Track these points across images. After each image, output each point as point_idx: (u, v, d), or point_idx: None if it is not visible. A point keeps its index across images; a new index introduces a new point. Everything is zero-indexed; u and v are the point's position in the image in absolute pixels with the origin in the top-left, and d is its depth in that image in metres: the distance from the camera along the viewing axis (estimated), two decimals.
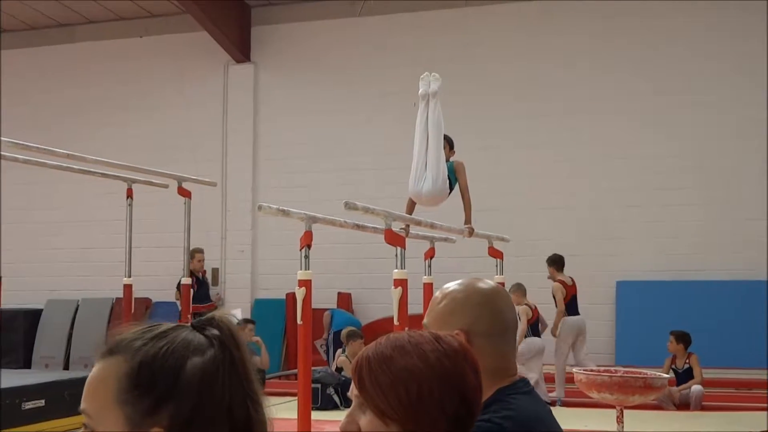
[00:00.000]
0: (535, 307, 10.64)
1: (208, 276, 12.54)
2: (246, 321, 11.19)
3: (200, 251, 11.54)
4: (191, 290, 10.94)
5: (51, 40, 14.74)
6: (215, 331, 1.27)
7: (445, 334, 1.53)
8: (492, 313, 2.01)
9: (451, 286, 2.07)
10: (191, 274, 10.79)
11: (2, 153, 6.45)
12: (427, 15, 12.98)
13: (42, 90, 14.59)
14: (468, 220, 7.50)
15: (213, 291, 13.53)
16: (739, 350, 10.86)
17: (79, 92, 14.41)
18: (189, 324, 1.28)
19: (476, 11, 12.75)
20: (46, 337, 13.10)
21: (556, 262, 10.75)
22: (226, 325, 1.28)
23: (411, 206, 7.44)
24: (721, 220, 11.57)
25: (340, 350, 10.88)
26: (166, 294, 12.72)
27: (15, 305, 12.61)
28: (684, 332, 10.21)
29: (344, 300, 12.60)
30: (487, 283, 2.10)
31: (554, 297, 10.61)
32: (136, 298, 9.96)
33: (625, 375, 6.62)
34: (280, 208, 5.89)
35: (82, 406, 1.22)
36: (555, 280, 10.65)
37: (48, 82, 14.63)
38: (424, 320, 2.06)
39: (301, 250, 5.71)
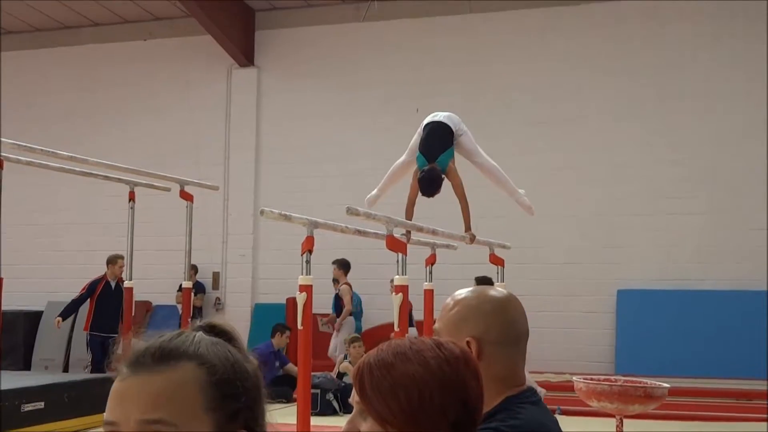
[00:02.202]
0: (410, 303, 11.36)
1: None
2: (283, 327, 11.27)
3: (122, 257, 10.81)
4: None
5: (55, 42, 14.77)
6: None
7: (447, 341, 1.53)
8: (504, 322, 2.00)
9: (463, 293, 2.07)
10: (104, 281, 10.91)
11: (5, 155, 6.46)
12: (432, 20, 12.99)
13: (46, 92, 14.61)
14: (468, 227, 7.50)
15: (213, 295, 13.55)
16: (739, 360, 10.84)
17: (82, 95, 14.44)
18: (192, 329, 1.30)
19: (481, 17, 12.76)
20: (46, 339, 13.10)
21: (344, 266, 11.46)
22: (229, 329, 1.32)
23: (411, 207, 7.42)
24: (724, 229, 11.56)
25: (342, 356, 10.89)
26: (167, 297, 12.74)
27: (16, 307, 12.62)
28: None
29: None
30: (500, 291, 2.09)
31: (342, 298, 11.36)
32: (136, 301, 9.99)
33: (625, 384, 6.60)
34: (282, 212, 5.89)
35: (157, 416, 1.17)
36: (344, 283, 11.39)
37: (52, 84, 14.65)
38: (435, 326, 2.06)
39: (302, 255, 5.71)
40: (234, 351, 1.27)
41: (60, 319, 10.91)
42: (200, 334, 1.27)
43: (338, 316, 11.57)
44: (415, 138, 7.59)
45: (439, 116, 7.48)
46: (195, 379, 1.20)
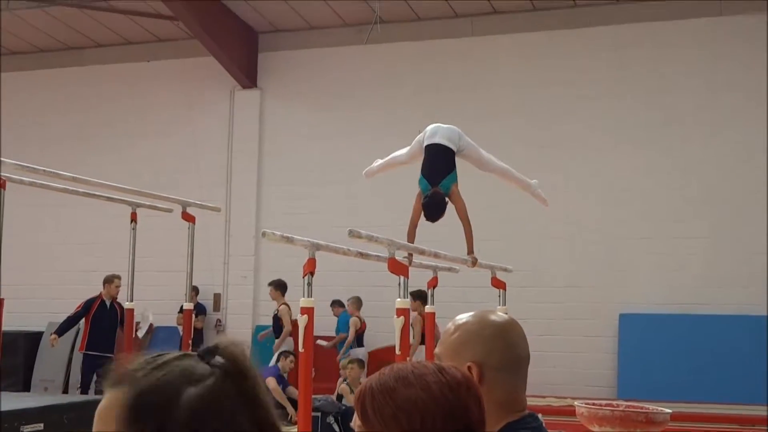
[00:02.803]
0: (364, 321, 11.90)
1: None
2: (288, 352, 11.27)
3: (119, 277, 11.03)
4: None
5: (59, 62, 14.83)
6: (220, 360, 1.25)
7: (449, 365, 1.52)
8: (505, 347, 1.99)
9: (464, 317, 2.06)
10: (99, 300, 10.92)
11: (7, 175, 6.46)
12: (433, 43, 13.04)
13: (49, 112, 14.65)
14: (470, 250, 7.49)
15: (214, 317, 13.53)
16: (742, 385, 10.78)
17: (85, 115, 14.48)
18: (195, 352, 1.27)
19: (482, 40, 12.81)
20: (46, 360, 13.07)
21: (281, 287, 11.52)
22: (231, 353, 1.26)
23: (413, 230, 7.42)
24: (726, 253, 11.53)
25: (341, 379, 10.87)
26: (168, 318, 12.71)
27: (16, 327, 12.58)
28: None
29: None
30: (501, 315, 2.09)
31: (281, 319, 11.42)
32: (137, 323, 9.98)
33: (627, 409, 6.57)
34: (284, 235, 5.88)
35: None
36: (281, 304, 11.47)
37: (55, 104, 14.70)
38: (436, 350, 2.05)
39: (304, 277, 5.70)
40: (178, 379, 1.21)
41: (55, 336, 10.92)
42: (179, 356, 1.26)
43: (277, 337, 11.69)
44: (419, 137, 7.66)
45: (440, 135, 7.48)
46: (120, 403, 1.20)
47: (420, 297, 11.40)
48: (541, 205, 8.79)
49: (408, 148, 7.89)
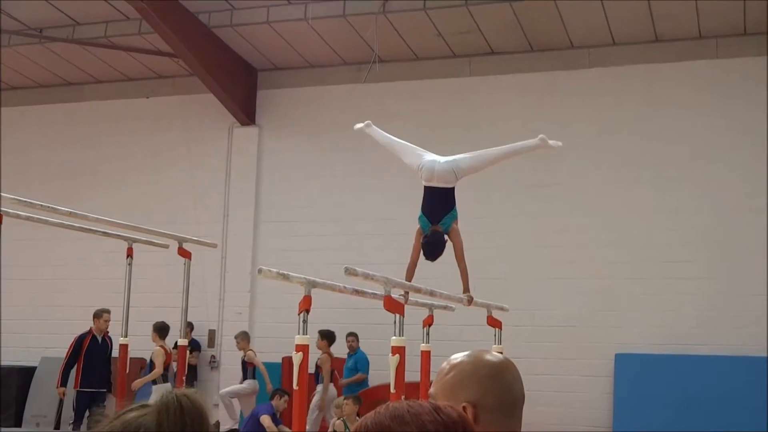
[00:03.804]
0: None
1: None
2: (282, 392, 11.22)
3: (108, 311, 11.03)
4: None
5: (58, 98, 14.89)
6: (180, 410, 1.26)
7: (445, 404, 1.51)
8: (501, 387, 1.98)
9: (459, 357, 2.05)
10: (90, 336, 10.86)
11: (5, 209, 6.47)
12: (432, 83, 13.12)
13: (47, 147, 14.68)
14: (466, 288, 7.48)
15: (208, 353, 13.46)
16: (738, 427, 10.72)
17: (84, 151, 14.51)
18: (156, 404, 1.27)
19: (480, 81, 12.88)
20: (39, 396, 12.97)
21: (161, 330, 11.36)
22: (192, 403, 1.28)
23: (413, 268, 7.42)
24: (723, 294, 11.51)
25: (335, 418, 10.81)
26: None
27: (9, 362, 12.52)
28: None
29: (340, 365, 12.51)
30: (495, 355, 2.08)
31: (153, 361, 11.18)
32: (131, 358, 9.93)
33: None
34: (280, 271, 5.88)
35: None
36: (158, 345, 11.30)
37: (53, 139, 14.73)
38: (431, 390, 2.03)
39: (299, 314, 5.69)
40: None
41: (63, 389, 10.83)
42: (139, 407, 1.27)
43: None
44: (417, 155, 7.69)
45: (437, 178, 7.48)
46: None
47: (327, 336, 11.65)
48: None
49: (408, 157, 7.85)
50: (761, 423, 10.48)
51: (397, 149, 8.04)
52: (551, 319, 12.02)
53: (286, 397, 11.10)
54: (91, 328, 11.01)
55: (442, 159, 7.59)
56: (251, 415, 11.30)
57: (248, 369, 12.16)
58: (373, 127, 8.30)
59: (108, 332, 11.10)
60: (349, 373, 12.03)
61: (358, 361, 12.10)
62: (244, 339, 12.28)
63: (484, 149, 7.94)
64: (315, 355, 11.07)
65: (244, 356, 12.14)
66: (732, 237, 11.61)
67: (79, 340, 10.89)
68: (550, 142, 7.85)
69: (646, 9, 11.42)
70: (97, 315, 11.04)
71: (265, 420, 10.83)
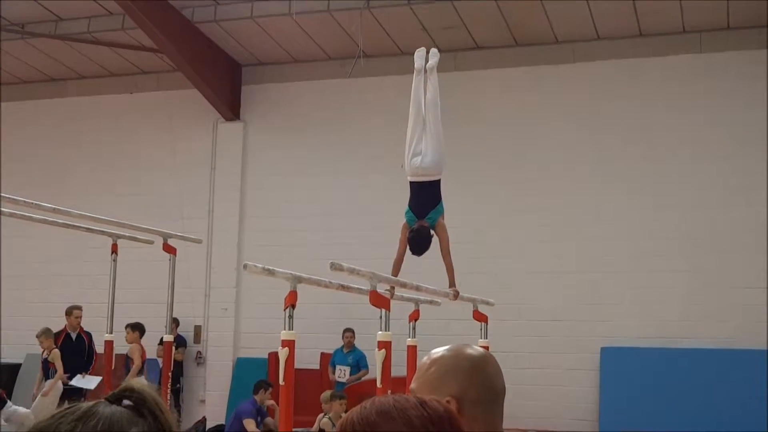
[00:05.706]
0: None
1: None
2: (267, 384, 11.17)
3: (79, 308, 10.99)
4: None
5: (41, 94, 14.82)
6: (142, 404, 1.19)
7: (431, 399, 1.51)
8: (483, 380, 1.98)
9: (440, 351, 2.05)
10: (64, 334, 10.81)
11: None
12: None
13: (30, 144, 14.60)
14: (452, 283, 7.49)
15: (194, 349, 13.44)
16: (723, 419, 10.78)
17: (67, 147, 14.44)
18: (106, 398, 1.20)
19: (465, 76, 12.87)
20: (24, 393, 12.89)
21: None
22: (152, 397, 1.20)
23: (399, 263, 7.43)
24: (707, 287, 11.56)
25: (321, 414, 10.79)
26: (148, 350, 12.59)
27: None
28: None
29: (327, 360, 12.51)
30: (476, 349, 2.08)
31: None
32: (116, 355, 9.89)
33: None
34: (266, 267, 5.86)
35: None
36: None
37: (37, 136, 14.65)
38: (412, 385, 2.03)
39: (285, 309, 5.68)
40: (116, 425, 1.14)
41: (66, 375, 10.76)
42: (96, 404, 1.18)
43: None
44: (407, 157, 7.59)
45: (422, 173, 7.48)
46: None
47: (138, 328, 11.52)
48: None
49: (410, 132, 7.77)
50: (747, 414, 10.54)
51: (410, 125, 7.88)
52: (537, 313, 12.04)
53: (270, 390, 11.08)
54: (65, 326, 10.98)
55: (422, 156, 7.60)
56: (235, 415, 11.26)
57: (50, 369, 11.13)
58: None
59: (83, 328, 11.06)
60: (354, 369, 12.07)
61: (360, 360, 12.10)
62: (48, 338, 11.06)
63: (433, 130, 7.83)
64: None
65: (49, 356, 10.97)
66: (716, 230, 11.66)
67: (54, 338, 10.86)
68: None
69: (630, 4, 11.45)
70: (68, 312, 11.01)
71: (249, 424, 10.79)
